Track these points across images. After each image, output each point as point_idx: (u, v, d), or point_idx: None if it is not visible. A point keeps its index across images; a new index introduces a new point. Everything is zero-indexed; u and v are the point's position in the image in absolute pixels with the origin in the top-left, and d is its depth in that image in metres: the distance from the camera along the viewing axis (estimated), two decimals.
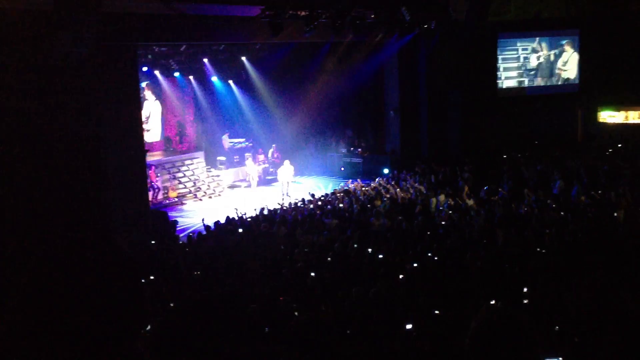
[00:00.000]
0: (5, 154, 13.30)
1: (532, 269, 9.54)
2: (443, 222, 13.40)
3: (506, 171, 18.50)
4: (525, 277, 9.17)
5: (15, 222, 13.21)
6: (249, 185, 23.09)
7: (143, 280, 9.90)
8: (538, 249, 10.77)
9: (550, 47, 25.02)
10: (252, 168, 22.90)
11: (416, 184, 17.92)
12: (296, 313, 7.71)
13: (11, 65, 13.15)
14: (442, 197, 15.74)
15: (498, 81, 24.76)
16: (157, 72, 24.04)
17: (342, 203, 16.51)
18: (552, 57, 25.03)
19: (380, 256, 10.88)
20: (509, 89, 25.02)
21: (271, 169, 23.78)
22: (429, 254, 10.74)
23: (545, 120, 24.87)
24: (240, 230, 14.08)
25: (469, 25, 22.63)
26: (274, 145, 25.55)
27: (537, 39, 24.89)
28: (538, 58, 24.93)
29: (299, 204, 17.57)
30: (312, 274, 9.87)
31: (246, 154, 25.74)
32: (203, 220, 14.97)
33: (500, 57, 24.70)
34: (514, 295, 8.50)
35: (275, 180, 23.19)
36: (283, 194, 21.43)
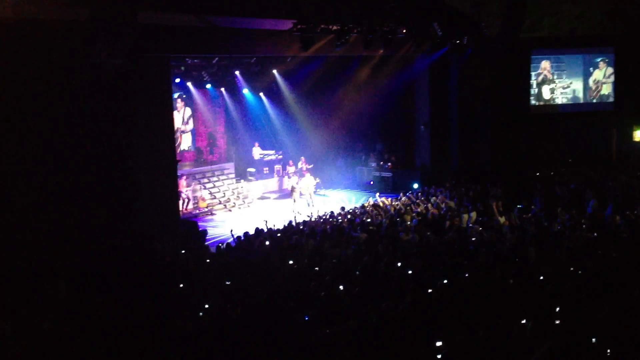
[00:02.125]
0: (41, 162, 13.53)
1: (564, 288, 9.38)
2: (474, 239, 13.24)
3: (539, 189, 18.25)
4: (557, 296, 9.01)
5: (49, 228, 13.41)
6: (287, 197, 22.37)
7: (180, 286, 9.97)
8: (571, 269, 10.58)
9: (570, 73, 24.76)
10: (296, 182, 22.50)
11: (446, 200, 17.75)
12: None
13: (47, 75, 13.40)
14: (473, 214, 15.57)
15: (531, 98, 24.54)
16: (189, 84, 24.30)
17: (371, 217, 16.43)
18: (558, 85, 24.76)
19: (410, 272, 10.78)
20: (541, 106, 24.76)
21: (297, 182, 23.70)
22: (460, 271, 10.61)
23: (579, 138, 24.54)
24: (269, 242, 14.07)
25: (502, 41, 22.49)
26: (302, 157, 25.59)
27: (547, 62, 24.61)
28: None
29: (327, 217, 17.52)
30: (341, 287, 9.82)
31: (275, 166, 25.84)
32: (231, 231, 15.00)
33: (533, 73, 24.49)
34: (546, 314, 8.35)
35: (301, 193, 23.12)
36: (309, 206, 21.47)
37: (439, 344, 7.15)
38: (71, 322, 7.49)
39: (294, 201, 21.77)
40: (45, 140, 13.56)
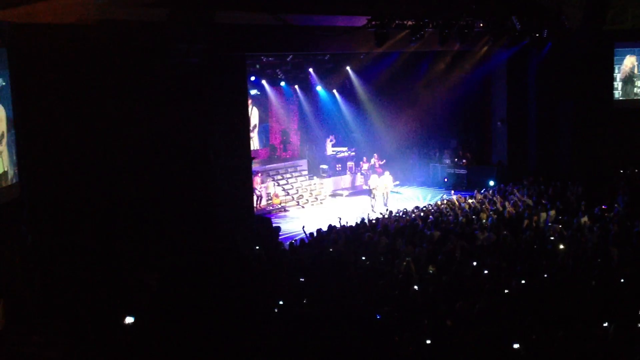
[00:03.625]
0: (122, 161, 13.99)
1: None
2: (552, 238, 12.86)
3: (622, 187, 17.54)
4: None
5: (132, 227, 13.88)
6: (372, 198, 21.97)
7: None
8: None
9: None
10: (377, 181, 22.09)
11: (524, 198, 17.31)
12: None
13: (126, 75, 13.82)
14: (552, 212, 15.12)
15: (614, 92, 23.57)
16: (264, 81, 24.59)
17: (445, 215, 16.20)
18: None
19: (486, 271, 10.58)
20: (626, 101, 23.76)
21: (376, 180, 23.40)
22: (538, 271, 10.33)
23: None
24: (342, 239, 14.09)
25: (583, 34, 21.70)
26: (375, 154, 25.45)
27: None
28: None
29: (401, 215, 17.39)
30: (415, 287, 9.73)
31: (348, 163, 25.81)
32: (303, 228, 15.09)
33: (617, 67, 23.52)
34: (629, 317, 8.04)
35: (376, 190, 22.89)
36: (384, 204, 21.27)
37: (516, 346, 6.98)
38: (158, 318, 7.74)
39: (374, 197, 21.59)
40: (126, 140, 13.99)
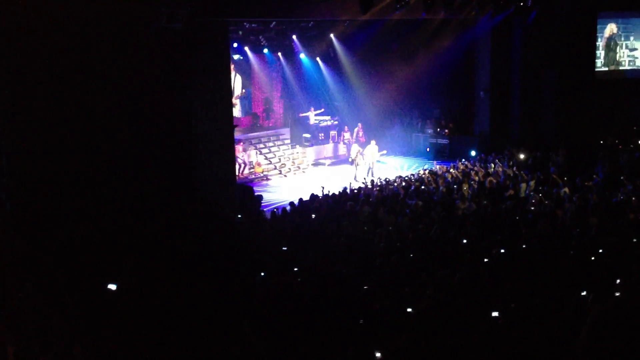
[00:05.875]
0: (100, 127, 13.81)
1: (626, 260, 9.11)
2: (533, 208, 12.98)
3: (602, 157, 17.69)
4: (618, 268, 8.77)
5: (110, 194, 13.75)
6: (341, 163, 21.74)
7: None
8: (634, 240, 10.27)
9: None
10: (360, 151, 22.08)
11: (505, 167, 17.42)
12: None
13: (108, 41, 13.59)
14: (532, 183, 15.24)
15: (597, 60, 23.62)
16: (246, 48, 24.33)
17: (427, 184, 16.27)
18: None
19: (465, 240, 10.66)
20: (607, 72, 23.85)
21: (361, 150, 23.39)
22: (518, 240, 10.43)
23: None
24: (324, 208, 14.12)
25: (568, 3, 21.65)
26: (359, 124, 25.41)
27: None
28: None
29: (383, 184, 17.44)
30: (396, 256, 9.78)
31: (331, 132, 25.75)
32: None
33: (599, 36, 23.54)
34: (606, 286, 8.15)
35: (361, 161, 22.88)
36: (368, 174, 21.28)
37: (495, 314, 7.06)
38: (140, 286, 7.72)
39: (357, 167, 21.56)
40: (107, 107, 13.79)
